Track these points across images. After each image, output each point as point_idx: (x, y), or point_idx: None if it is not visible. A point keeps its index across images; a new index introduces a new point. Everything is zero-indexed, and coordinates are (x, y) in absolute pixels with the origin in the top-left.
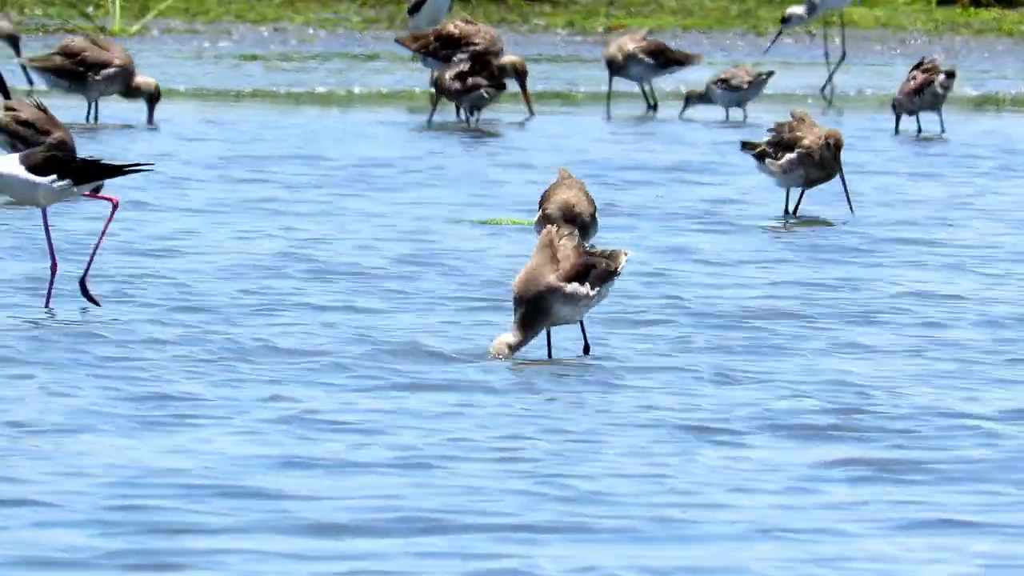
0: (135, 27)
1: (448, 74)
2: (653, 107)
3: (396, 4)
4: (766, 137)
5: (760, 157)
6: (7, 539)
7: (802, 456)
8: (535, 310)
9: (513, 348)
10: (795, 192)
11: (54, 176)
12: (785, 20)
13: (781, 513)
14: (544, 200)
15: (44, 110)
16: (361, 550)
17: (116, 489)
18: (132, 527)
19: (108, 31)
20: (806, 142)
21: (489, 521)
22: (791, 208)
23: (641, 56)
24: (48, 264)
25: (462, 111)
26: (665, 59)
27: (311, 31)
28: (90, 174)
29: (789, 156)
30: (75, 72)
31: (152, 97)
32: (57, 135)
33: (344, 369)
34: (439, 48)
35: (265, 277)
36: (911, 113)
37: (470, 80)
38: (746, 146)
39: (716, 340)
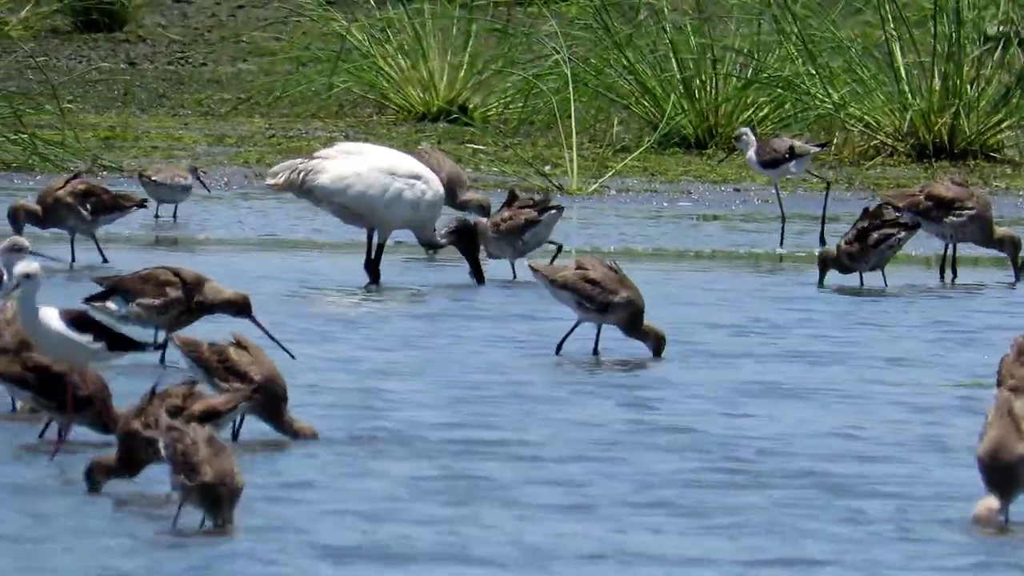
0: (592, 186)
1: (841, 243)
2: None
3: (855, 165)
4: None
5: None
6: None
7: None
8: (1005, 478)
9: (995, 512)
10: None
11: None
12: None
13: None
14: (1001, 372)
15: (615, 269)
16: None
17: None
18: None
19: (565, 190)
20: None
21: None
22: None
23: None
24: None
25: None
26: None
27: (772, 191)
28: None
29: None
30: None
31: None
32: (624, 294)
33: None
34: (931, 209)
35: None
36: None
37: (873, 236)
38: None
39: None
